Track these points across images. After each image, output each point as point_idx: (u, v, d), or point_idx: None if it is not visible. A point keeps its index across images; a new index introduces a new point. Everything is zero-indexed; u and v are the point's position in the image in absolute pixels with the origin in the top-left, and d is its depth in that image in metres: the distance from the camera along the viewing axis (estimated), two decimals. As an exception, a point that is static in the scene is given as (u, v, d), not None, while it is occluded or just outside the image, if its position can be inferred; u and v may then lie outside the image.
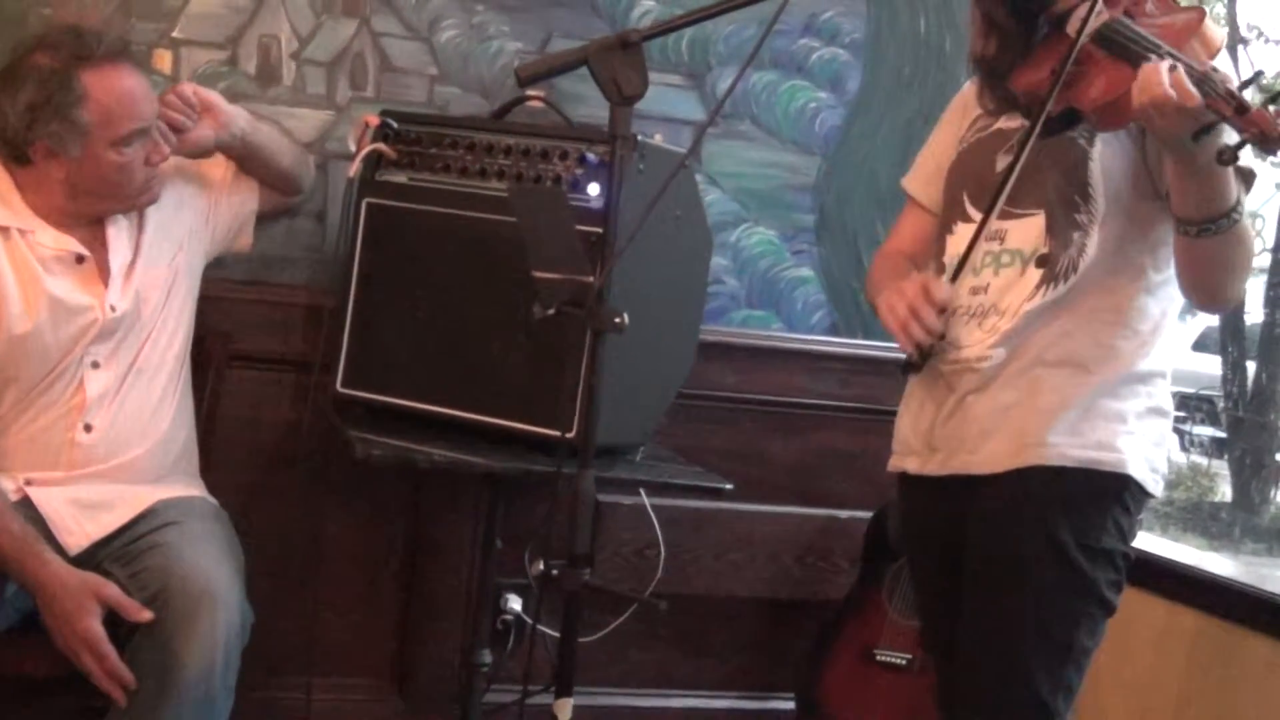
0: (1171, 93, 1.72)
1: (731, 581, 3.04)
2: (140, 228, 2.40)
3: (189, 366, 2.49)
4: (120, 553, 2.24)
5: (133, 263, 2.37)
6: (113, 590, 2.13)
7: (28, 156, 2.25)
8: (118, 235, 2.35)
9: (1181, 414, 9.75)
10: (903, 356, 2.27)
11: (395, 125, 2.51)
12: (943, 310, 1.99)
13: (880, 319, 2.08)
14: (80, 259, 2.30)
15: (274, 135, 2.60)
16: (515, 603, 2.86)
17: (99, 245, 2.33)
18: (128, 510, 2.28)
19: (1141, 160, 1.99)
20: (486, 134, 2.46)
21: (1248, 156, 1.77)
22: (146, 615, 2.11)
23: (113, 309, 2.31)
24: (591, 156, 2.35)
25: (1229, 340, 8.89)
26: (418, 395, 2.45)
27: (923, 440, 2.14)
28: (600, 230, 2.00)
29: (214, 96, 2.47)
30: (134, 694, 2.09)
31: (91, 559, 2.23)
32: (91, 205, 2.31)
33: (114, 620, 2.13)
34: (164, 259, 2.42)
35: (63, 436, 2.28)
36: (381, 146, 2.49)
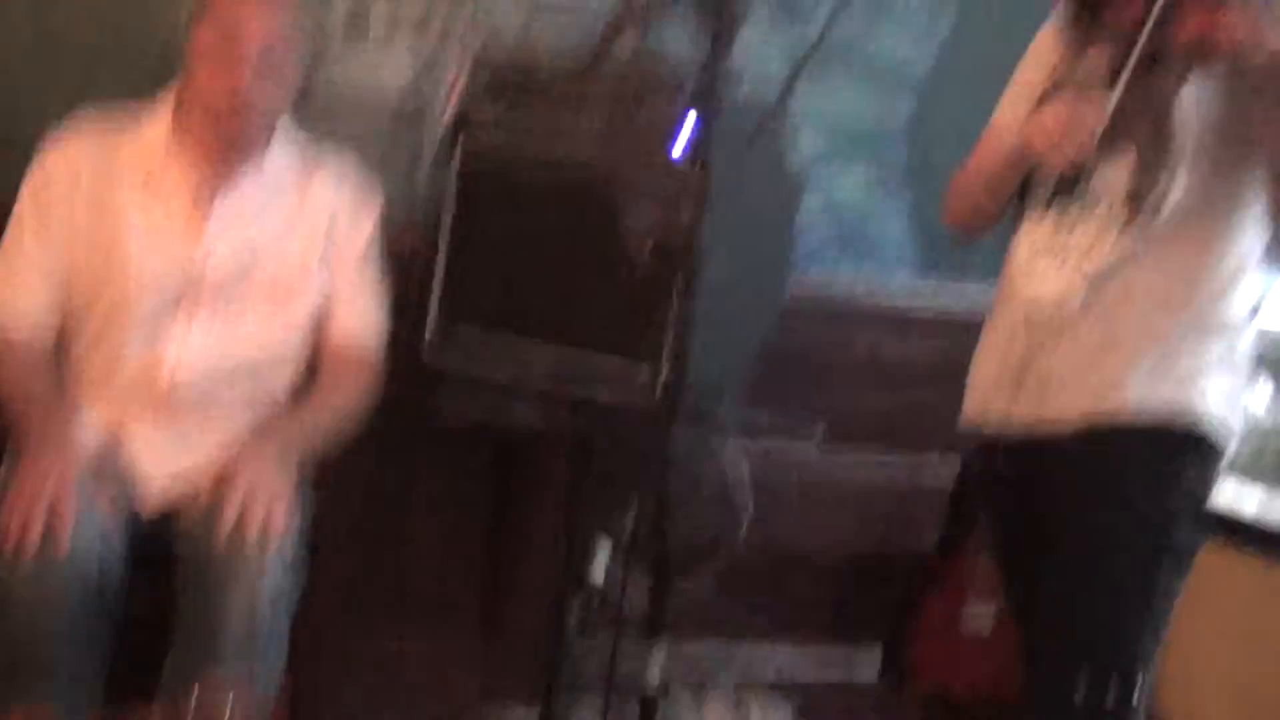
0: (1254, 34, 1.67)
1: (821, 532, 3.03)
2: (263, 215, 2.35)
3: (298, 333, 2.39)
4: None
5: (250, 231, 2.32)
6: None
7: (189, 61, 2.25)
8: (240, 200, 2.31)
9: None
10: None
11: (488, 69, 2.49)
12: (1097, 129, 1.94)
13: (1026, 142, 2.04)
14: (198, 203, 2.29)
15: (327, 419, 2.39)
16: (605, 551, 2.86)
17: (221, 197, 2.30)
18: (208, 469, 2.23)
19: (1231, 100, 1.94)
20: (580, 79, 2.44)
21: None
22: None
23: (218, 258, 2.28)
24: (684, 99, 2.32)
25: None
26: (513, 333, 2.45)
27: (1000, 391, 2.11)
28: (692, 173, 1.98)
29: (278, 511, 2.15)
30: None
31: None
32: (202, 128, 2.27)
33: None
34: (287, 249, 2.36)
35: (152, 377, 2.26)
36: (474, 90, 2.47)
